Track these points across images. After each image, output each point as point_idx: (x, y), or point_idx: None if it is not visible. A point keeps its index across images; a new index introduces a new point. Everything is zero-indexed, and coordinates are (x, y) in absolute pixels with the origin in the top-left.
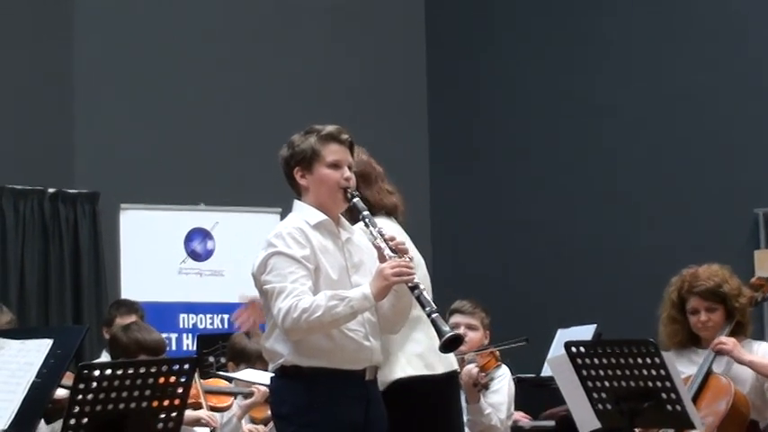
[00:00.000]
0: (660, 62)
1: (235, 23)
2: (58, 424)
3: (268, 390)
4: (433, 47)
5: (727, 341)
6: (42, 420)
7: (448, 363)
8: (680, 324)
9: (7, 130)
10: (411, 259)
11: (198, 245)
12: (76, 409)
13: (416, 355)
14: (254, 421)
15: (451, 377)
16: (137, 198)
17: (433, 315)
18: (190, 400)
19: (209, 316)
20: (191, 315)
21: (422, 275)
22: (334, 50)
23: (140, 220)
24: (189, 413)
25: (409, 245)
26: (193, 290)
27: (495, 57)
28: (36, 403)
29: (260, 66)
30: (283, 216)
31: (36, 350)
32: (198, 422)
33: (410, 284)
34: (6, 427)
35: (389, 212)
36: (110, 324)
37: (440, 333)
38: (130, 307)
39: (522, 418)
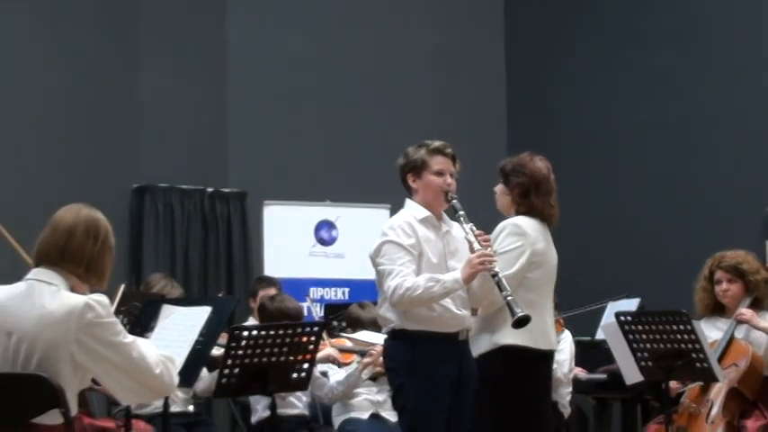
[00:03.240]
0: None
1: (362, 50)
2: (216, 373)
3: (381, 355)
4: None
5: (747, 312)
6: (204, 369)
7: (549, 342)
8: (708, 293)
9: (179, 140)
10: (495, 252)
11: (325, 233)
12: (230, 362)
13: (526, 329)
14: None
15: (549, 355)
16: (277, 196)
17: (508, 298)
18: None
19: (333, 289)
20: (319, 288)
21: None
22: (433, 80)
23: (279, 214)
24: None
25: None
26: (321, 268)
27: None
28: (198, 357)
29: (377, 89)
30: (393, 211)
31: (198, 315)
32: (328, 359)
33: (492, 272)
34: (179, 370)
35: (543, 220)
36: (254, 295)
37: (512, 313)
38: (270, 281)
39: (581, 372)
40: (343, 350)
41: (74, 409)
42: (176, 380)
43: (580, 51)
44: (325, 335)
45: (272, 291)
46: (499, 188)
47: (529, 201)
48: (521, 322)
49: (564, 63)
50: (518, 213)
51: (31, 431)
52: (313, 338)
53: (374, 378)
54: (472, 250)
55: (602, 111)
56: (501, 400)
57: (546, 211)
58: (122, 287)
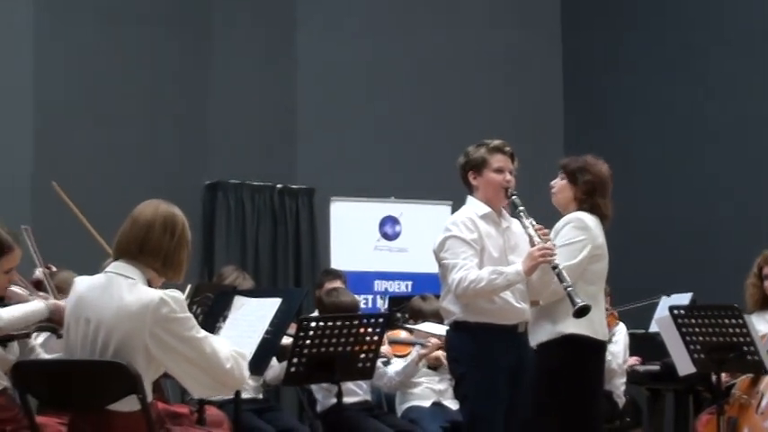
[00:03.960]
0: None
1: (426, 50)
2: (285, 362)
3: (439, 341)
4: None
5: None
6: (274, 358)
7: (605, 333)
8: (758, 288)
9: (250, 138)
10: (554, 246)
11: (389, 228)
12: (298, 351)
13: (588, 319)
14: (430, 367)
15: (604, 345)
16: (343, 192)
17: (569, 289)
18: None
19: (396, 282)
20: (383, 281)
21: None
22: (493, 81)
23: (346, 209)
24: None
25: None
26: (385, 262)
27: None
28: (268, 347)
29: (439, 89)
30: (455, 208)
31: (269, 306)
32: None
33: (552, 264)
34: (250, 359)
35: (601, 218)
36: (321, 287)
37: (573, 303)
38: (335, 274)
39: (636, 362)
40: (400, 342)
41: (149, 396)
42: (247, 375)
43: (637, 52)
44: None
45: (338, 283)
46: (559, 184)
47: (593, 199)
48: (581, 312)
49: (621, 63)
50: (580, 209)
51: (110, 417)
52: (377, 330)
53: (435, 368)
54: (533, 244)
55: (658, 110)
56: (560, 387)
57: (605, 211)
58: (189, 287)
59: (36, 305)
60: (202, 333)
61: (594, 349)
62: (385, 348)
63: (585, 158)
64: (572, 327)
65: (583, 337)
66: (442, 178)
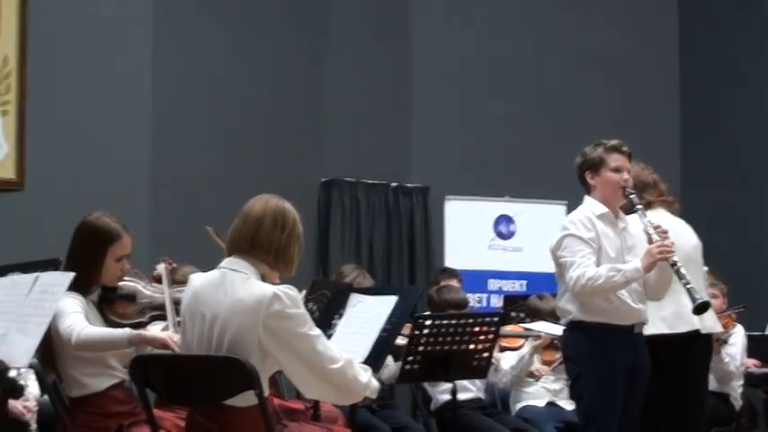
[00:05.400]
0: None
1: (541, 50)
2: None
3: (550, 337)
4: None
5: None
6: (390, 357)
7: (690, 323)
8: None
9: (366, 136)
10: (673, 243)
11: (503, 227)
12: (413, 349)
13: (661, 318)
14: (545, 363)
15: (693, 335)
16: (458, 191)
17: (688, 285)
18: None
19: (511, 281)
20: (497, 280)
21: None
22: (608, 81)
23: (460, 208)
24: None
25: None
26: (499, 261)
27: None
28: (384, 344)
29: (553, 89)
30: (570, 208)
31: (385, 305)
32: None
33: (670, 261)
34: (362, 360)
35: (667, 207)
36: (436, 285)
37: (693, 299)
38: (451, 273)
39: (753, 364)
40: (512, 336)
41: (265, 391)
42: (363, 381)
43: (756, 52)
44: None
45: (454, 282)
46: None
47: (644, 200)
48: (701, 308)
49: (738, 64)
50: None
51: (227, 411)
52: (492, 328)
53: (548, 364)
54: (651, 241)
55: None
56: (649, 386)
57: (666, 200)
58: (304, 292)
59: (119, 334)
60: (316, 331)
61: (674, 344)
62: (497, 355)
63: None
64: (646, 329)
65: (658, 336)
66: (557, 177)
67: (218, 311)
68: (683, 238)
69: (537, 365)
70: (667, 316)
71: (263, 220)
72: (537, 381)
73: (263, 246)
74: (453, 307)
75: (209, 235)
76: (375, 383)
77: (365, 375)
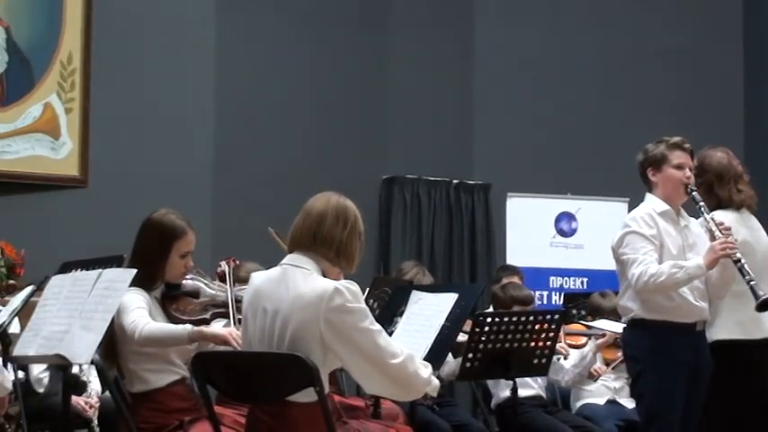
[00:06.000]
0: None
1: (602, 46)
2: (461, 358)
3: (615, 335)
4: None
5: None
6: (450, 354)
7: (765, 330)
8: None
9: (427, 134)
10: (736, 240)
11: (565, 224)
12: (473, 346)
13: (736, 322)
14: (605, 362)
15: (765, 343)
16: (519, 188)
17: (752, 283)
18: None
19: (572, 279)
20: (558, 278)
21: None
22: (671, 78)
23: (522, 205)
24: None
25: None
26: (561, 258)
27: None
28: (445, 341)
29: (615, 86)
30: (631, 205)
31: (446, 302)
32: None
33: (734, 258)
34: (423, 357)
35: (738, 207)
36: (498, 283)
37: (756, 296)
38: (513, 270)
39: None
40: (575, 333)
41: (326, 388)
42: (424, 377)
43: None
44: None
45: (516, 279)
46: None
47: (716, 195)
48: (765, 305)
49: None
50: (711, 208)
51: (288, 407)
52: (552, 326)
53: (608, 363)
54: (713, 238)
55: None
56: (719, 392)
57: (735, 198)
58: (367, 290)
59: (180, 330)
60: (377, 326)
61: (749, 349)
62: (559, 345)
63: (698, 156)
64: (722, 333)
65: (733, 342)
66: (618, 175)
67: (279, 306)
68: (760, 239)
69: (597, 365)
70: (742, 320)
71: (325, 217)
72: (595, 381)
73: (324, 242)
74: (519, 304)
75: (271, 236)
76: (436, 381)
77: (426, 371)
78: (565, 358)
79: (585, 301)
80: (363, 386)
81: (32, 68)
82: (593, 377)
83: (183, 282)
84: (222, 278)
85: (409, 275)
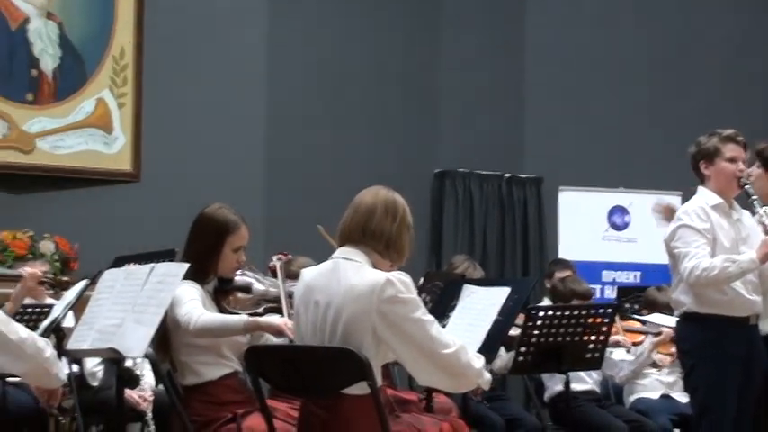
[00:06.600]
0: None
1: (655, 38)
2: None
3: (671, 333)
4: None
5: None
6: (502, 347)
7: None
8: None
9: (479, 127)
10: None
11: (617, 218)
12: (526, 340)
13: None
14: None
15: None
16: (571, 182)
17: None
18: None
19: (624, 272)
20: (611, 271)
21: None
22: (725, 71)
23: (574, 199)
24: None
25: None
26: (613, 252)
27: None
28: (497, 334)
29: (668, 78)
30: (684, 198)
31: (498, 296)
32: (616, 343)
33: None
34: (479, 348)
35: None
36: (550, 276)
37: None
38: (565, 264)
39: None
40: (632, 331)
41: (378, 381)
42: (477, 367)
43: None
44: (617, 319)
45: (568, 273)
46: (756, 172)
47: None
48: None
49: None
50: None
51: (341, 400)
52: (606, 320)
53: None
54: (767, 232)
55: None
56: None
57: None
58: (420, 284)
59: (235, 320)
60: (429, 316)
61: None
62: (621, 338)
63: (758, 147)
64: None
65: None
66: (671, 168)
67: (331, 299)
68: None
69: (659, 356)
70: None
71: (374, 211)
72: (659, 370)
73: (374, 235)
74: (578, 297)
75: (320, 233)
76: (488, 375)
77: (478, 362)
78: (627, 351)
79: (640, 294)
80: (416, 377)
81: (85, 64)
82: (657, 367)
83: (236, 277)
84: (274, 272)
85: (460, 269)
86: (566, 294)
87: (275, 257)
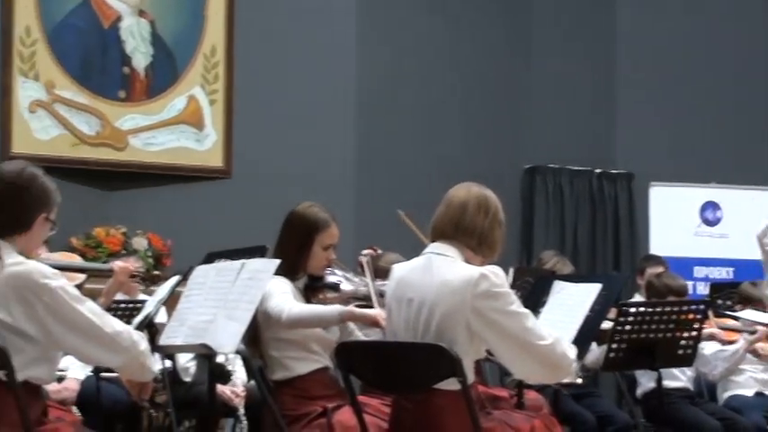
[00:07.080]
0: None
1: (754, 32)
2: (605, 347)
3: (767, 332)
4: None
5: None
6: (594, 343)
7: None
8: None
9: (569, 123)
10: None
11: (710, 214)
12: (618, 337)
13: None
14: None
15: None
16: (663, 177)
17: None
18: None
19: (717, 269)
20: (703, 267)
21: None
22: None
23: (665, 195)
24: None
25: None
26: (705, 248)
27: None
28: (588, 330)
29: (763, 76)
30: None
31: (589, 292)
32: (712, 337)
33: None
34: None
35: None
36: (641, 273)
37: None
38: (657, 260)
39: None
40: (727, 328)
41: (470, 378)
42: (572, 357)
43: None
44: (710, 313)
45: (660, 269)
46: None
47: None
48: None
49: None
50: None
51: (432, 395)
52: (698, 316)
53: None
54: None
55: None
56: None
57: None
58: (510, 279)
59: (330, 310)
60: (524, 309)
61: None
62: (716, 330)
63: None
64: None
65: None
66: (763, 163)
67: (425, 295)
68: None
69: (762, 344)
70: None
71: (467, 206)
72: (764, 360)
73: (466, 231)
74: (674, 293)
75: (400, 219)
76: (574, 366)
77: (572, 353)
78: (722, 344)
79: (733, 290)
80: (511, 369)
81: (176, 61)
82: (759, 356)
83: (326, 275)
84: (363, 268)
85: (549, 265)
86: (660, 290)
87: (364, 252)
